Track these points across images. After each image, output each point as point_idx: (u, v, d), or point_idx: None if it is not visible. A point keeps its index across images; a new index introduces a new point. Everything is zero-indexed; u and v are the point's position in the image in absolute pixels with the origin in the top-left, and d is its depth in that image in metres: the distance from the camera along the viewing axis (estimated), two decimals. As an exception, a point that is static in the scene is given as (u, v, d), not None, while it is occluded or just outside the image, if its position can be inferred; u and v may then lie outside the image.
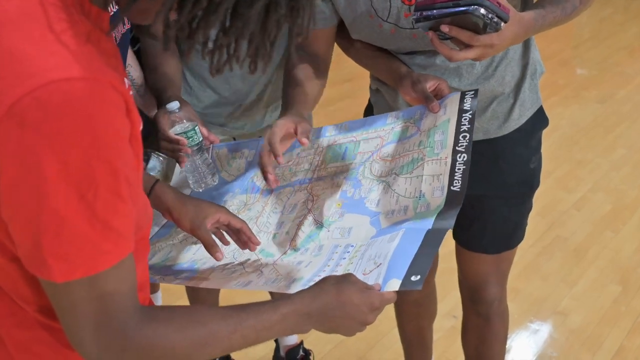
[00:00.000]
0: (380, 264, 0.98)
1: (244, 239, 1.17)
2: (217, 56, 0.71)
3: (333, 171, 1.30)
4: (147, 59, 1.51)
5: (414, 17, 1.17)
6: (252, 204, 1.32)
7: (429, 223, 1.05)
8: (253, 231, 1.20)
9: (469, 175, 1.27)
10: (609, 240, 2.87)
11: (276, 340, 2.14)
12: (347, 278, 0.93)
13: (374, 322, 0.93)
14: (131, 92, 0.87)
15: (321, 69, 1.45)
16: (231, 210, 1.29)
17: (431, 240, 1.01)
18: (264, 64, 0.73)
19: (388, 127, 1.30)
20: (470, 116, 1.17)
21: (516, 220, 1.60)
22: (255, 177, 1.37)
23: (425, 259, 0.96)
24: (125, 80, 0.76)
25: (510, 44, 1.23)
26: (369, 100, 1.63)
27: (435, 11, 1.13)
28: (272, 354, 2.16)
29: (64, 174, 0.65)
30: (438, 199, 1.09)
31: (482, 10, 1.09)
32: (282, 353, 2.12)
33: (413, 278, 0.92)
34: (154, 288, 2.26)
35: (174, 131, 1.31)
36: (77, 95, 0.64)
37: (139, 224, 0.80)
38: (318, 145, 1.36)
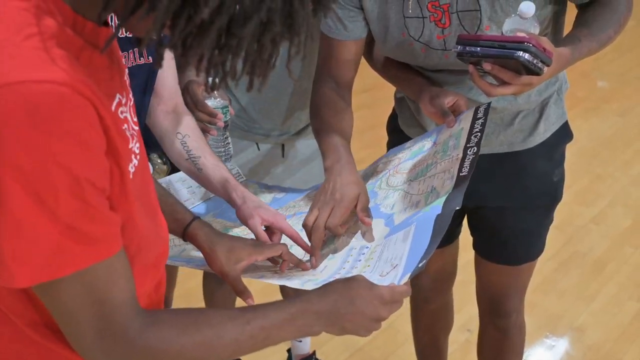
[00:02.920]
0: (397, 265, 0.99)
1: (288, 261, 1.15)
2: (213, 74, 0.70)
3: None
4: None
5: (456, 49, 1.18)
6: None
7: (437, 209, 1.07)
8: None
9: (492, 187, 1.41)
10: (628, 256, 2.83)
11: (289, 350, 2.13)
12: (355, 277, 0.91)
13: (387, 318, 0.90)
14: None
15: (347, 100, 1.43)
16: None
17: (440, 224, 1.02)
18: (260, 81, 0.71)
19: (406, 150, 1.34)
20: (483, 121, 1.22)
21: (538, 231, 1.60)
22: (279, 209, 1.37)
23: (434, 244, 0.98)
24: (118, 95, 0.74)
25: (548, 79, 1.24)
26: (393, 109, 1.63)
27: (479, 49, 1.14)
28: (284, 363, 2.15)
29: (19, 178, 0.64)
30: (447, 187, 1.12)
31: (527, 56, 1.09)
32: (295, 363, 2.11)
33: (420, 265, 0.94)
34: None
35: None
36: (31, 98, 0.63)
37: (144, 248, 0.78)
38: None
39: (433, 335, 1.92)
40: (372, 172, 1.35)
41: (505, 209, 1.53)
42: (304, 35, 0.70)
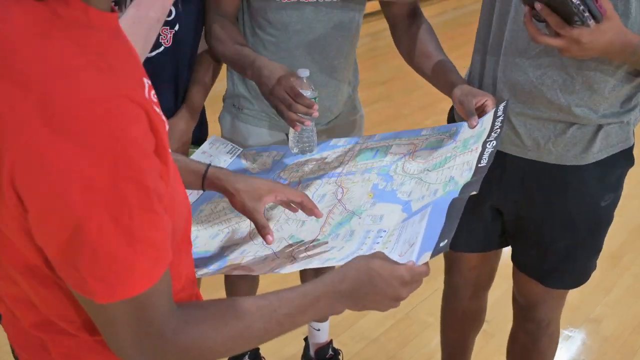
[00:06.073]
0: (414, 243, 1.01)
1: (307, 209, 1.17)
2: None
3: (363, 167, 1.34)
4: (215, 43, 1.54)
5: None
6: None
7: (455, 194, 1.09)
8: (281, 219, 1.20)
9: (534, 197, 1.43)
10: (646, 248, 2.83)
11: (306, 339, 2.16)
12: (376, 255, 0.93)
13: (407, 298, 0.92)
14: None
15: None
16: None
17: (455, 206, 1.04)
18: None
19: (422, 137, 1.37)
20: (502, 118, 1.24)
21: (578, 257, 1.51)
22: (282, 173, 1.41)
23: (452, 223, 0.99)
24: (145, 80, 0.74)
25: (601, 51, 1.18)
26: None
27: None
28: (301, 352, 2.17)
29: (92, 199, 0.64)
30: (466, 177, 1.14)
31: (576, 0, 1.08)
32: (312, 352, 2.13)
33: (442, 244, 0.95)
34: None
35: None
36: (93, 117, 0.63)
37: (177, 226, 0.80)
38: (349, 149, 1.41)
39: (462, 334, 1.90)
40: (385, 150, 1.37)
41: (544, 223, 1.47)
42: None
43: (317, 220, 1.23)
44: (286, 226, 1.25)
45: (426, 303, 2.38)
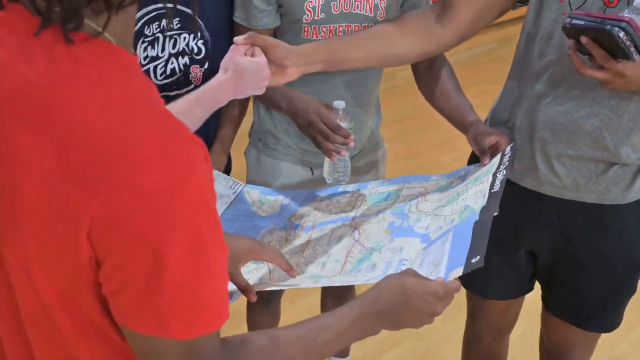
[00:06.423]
0: (438, 264, 1.02)
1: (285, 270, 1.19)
2: None
3: (376, 209, 1.36)
4: None
5: (564, 21, 1.18)
6: (293, 239, 1.36)
7: (475, 216, 1.11)
8: (300, 263, 1.22)
9: (570, 237, 1.43)
10: (668, 285, 2.79)
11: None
12: (407, 272, 0.95)
13: (441, 314, 0.94)
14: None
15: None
16: (272, 245, 1.32)
17: (480, 227, 1.06)
18: None
19: (432, 182, 1.40)
20: (510, 156, 1.30)
21: (619, 300, 1.50)
22: (293, 218, 1.42)
23: (480, 241, 1.01)
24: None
25: None
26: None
27: (583, 22, 1.15)
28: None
29: (174, 242, 0.65)
30: (480, 203, 1.17)
31: (622, 34, 1.10)
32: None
33: (473, 260, 0.96)
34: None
35: None
36: (170, 165, 0.65)
37: None
38: (360, 194, 1.44)
39: None
40: (396, 193, 1.39)
41: (582, 263, 1.45)
42: None
43: (337, 260, 1.24)
44: (307, 269, 1.26)
45: (447, 340, 2.36)
